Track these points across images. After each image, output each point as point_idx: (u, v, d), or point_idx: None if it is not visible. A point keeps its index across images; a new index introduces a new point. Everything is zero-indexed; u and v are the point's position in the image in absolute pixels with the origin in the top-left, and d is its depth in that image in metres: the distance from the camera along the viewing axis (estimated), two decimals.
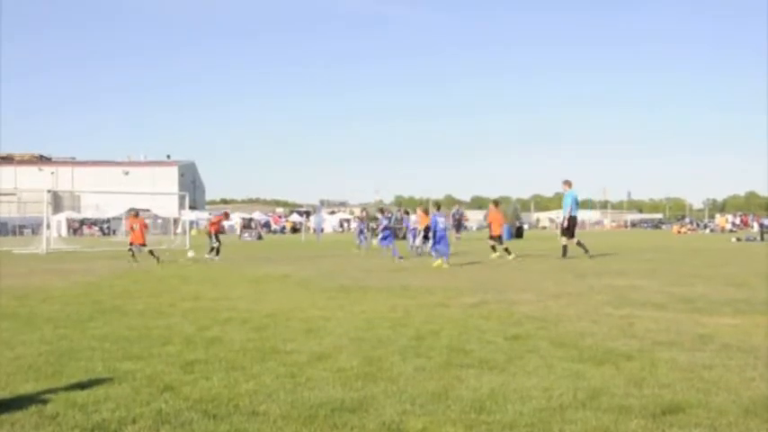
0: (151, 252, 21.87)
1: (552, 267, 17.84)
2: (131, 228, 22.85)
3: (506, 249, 22.41)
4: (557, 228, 60.90)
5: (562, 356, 6.19)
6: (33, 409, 4.52)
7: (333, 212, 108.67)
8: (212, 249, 23.58)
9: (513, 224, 49.45)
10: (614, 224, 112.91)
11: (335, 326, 8.07)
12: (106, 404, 4.65)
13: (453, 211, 51.23)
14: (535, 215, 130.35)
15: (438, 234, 19.22)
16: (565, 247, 21.42)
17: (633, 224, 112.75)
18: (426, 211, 24.65)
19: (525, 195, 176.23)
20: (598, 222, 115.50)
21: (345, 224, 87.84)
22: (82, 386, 5.11)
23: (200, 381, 5.34)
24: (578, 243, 21.61)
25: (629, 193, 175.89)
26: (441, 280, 14.05)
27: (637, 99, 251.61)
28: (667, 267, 17.75)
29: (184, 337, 7.30)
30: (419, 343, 6.91)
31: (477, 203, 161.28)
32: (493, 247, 22.64)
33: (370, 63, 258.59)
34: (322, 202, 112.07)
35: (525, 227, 64.67)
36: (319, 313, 9.12)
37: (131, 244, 22.19)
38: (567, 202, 21.60)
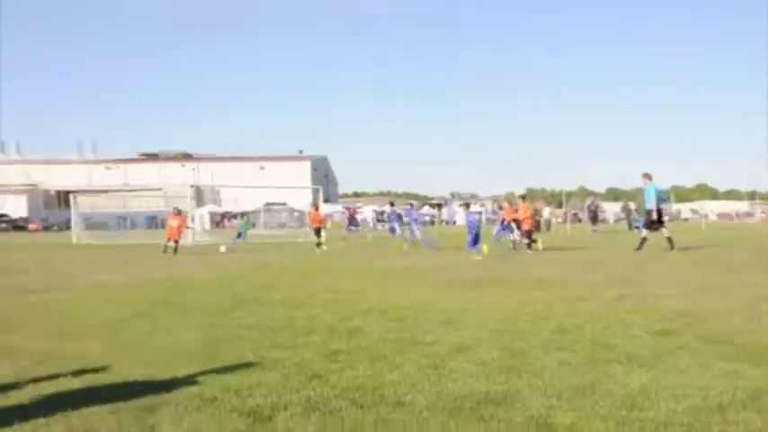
0: (175, 249, 24.33)
1: (695, 260, 17.01)
2: (171, 224, 25.34)
3: (531, 243, 22.68)
4: (701, 218, 58.10)
5: (716, 354, 5.89)
6: (193, 391, 4.77)
7: (466, 205, 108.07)
8: (318, 244, 24.97)
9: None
10: (765, 215, 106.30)
11: (473, 318, 8.04)
12: (259, 390, 4.83)
13: (588, 202, 49.97)
14: (676, 206, 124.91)
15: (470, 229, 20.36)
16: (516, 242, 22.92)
17: None
18: (511, 204, 25.60)
19: (665, 187, 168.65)
20: (747, 214, 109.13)
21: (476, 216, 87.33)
22: (234, 372, 5.34)
23: (345, 370, 5.45)
24: (667, 238, 21.02)
25: None
26: (576, 273, 13.70)
27: None
28: None
29: (327, 327, 7.48)
30: (561, 336, 6.77)
31: (613, 195, 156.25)
32: (533, 242, 22.79)
33: (504, 53, 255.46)
34: (453, 195, 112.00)
35: (666, 218, 62.01)
36: (456, 305, 9.11)
37: (170, 240, 24.69)
38: (651, 195, 21.06)
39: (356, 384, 5.00)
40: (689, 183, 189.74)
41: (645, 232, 21.59)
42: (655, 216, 21.03)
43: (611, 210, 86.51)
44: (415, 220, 27.21)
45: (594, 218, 45.27)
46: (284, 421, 4.18)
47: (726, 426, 4.02)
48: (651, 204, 21.04)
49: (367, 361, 5.78)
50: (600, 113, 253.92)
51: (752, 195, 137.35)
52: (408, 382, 5.05)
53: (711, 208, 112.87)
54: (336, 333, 7.13)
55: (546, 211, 56.09)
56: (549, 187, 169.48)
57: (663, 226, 21.17)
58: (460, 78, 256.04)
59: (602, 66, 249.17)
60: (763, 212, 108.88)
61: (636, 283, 11.53)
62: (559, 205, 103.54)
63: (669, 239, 20.75)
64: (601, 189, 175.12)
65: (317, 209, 27.84)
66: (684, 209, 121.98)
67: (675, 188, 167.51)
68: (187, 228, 29.21)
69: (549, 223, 50.34)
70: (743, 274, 13.10)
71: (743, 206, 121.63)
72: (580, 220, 71.10)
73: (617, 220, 71.89)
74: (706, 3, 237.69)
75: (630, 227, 46.66)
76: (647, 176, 21.35)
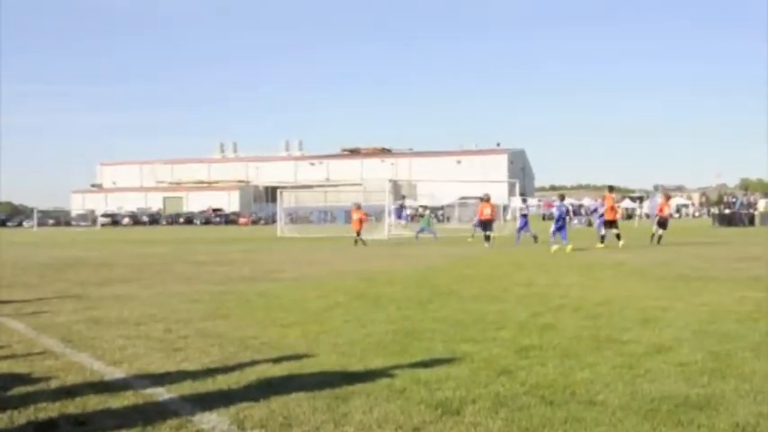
0: (362, 240, 26.20)
1: None
2: (354, 217, 27.56)
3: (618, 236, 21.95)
4: None
5: None
6: (384, 382, 4.90)
7: (668, 197, 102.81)
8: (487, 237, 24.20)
9: None
10: None
11: (675, 317, 7.62)
12: (447, 383, 4.88)
13: None
14: None
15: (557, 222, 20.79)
16: (660, 237, 23.22)
17: None
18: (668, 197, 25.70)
19: None
20: None
21: (683, 209, 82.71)
22: (425, 364, 5.42)
23: (534, 366, 5.37)
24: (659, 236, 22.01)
25: None
26: None
27: None
28: None
29: (518, 323, 7.41)
30: None
31: None
32: (617, 236, 21.81)
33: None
34: (656, 187, 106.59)
35: None
36: (656, 303, 8.68)
37: (357, 233, 26.68)
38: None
39: (546, 381, 4.91)
40: None
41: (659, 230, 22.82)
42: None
43: None
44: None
45: None
46: (472, 415, 4.19)
47: None
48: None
49: (557, 358, 5.65)
50: None
51: None
52: (601, 382, 4.88)
53: None
54: (527, 329, 7.03)
55: (762, 204, 51.94)
56: (766, 178, 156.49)
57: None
58: (665, 65, 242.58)
59: None
60: None
61: None
62: None
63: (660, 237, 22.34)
64: None
65: (487, 201, 25.39)
66: None
67: None
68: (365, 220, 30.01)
69: (765, 217, 46.58)
70: None
71: None
72: None
73: None
74: None
75: None
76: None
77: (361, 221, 27.29)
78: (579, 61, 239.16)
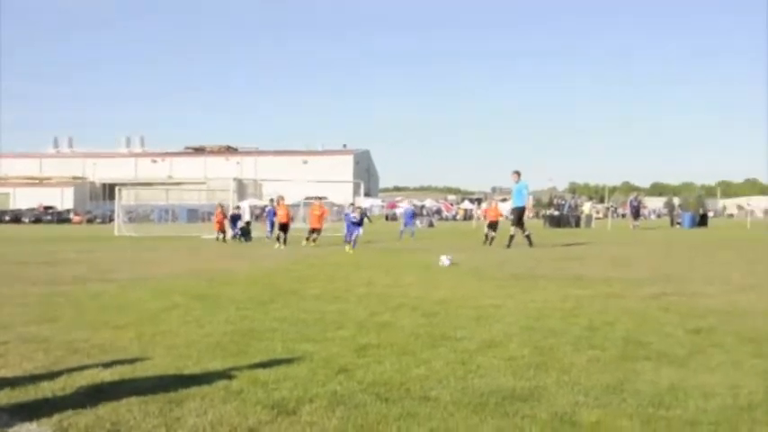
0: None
1: (740, 258, 16.72)
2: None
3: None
4: (746, 215, 56.95)
5: (751, 353, 5.79)
6: (220, 384, 4.83)
7: (504, 200, 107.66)
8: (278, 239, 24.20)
9: (696, 212, 46.89)
10: None
11: (505, 314, 8.00)
12: (285, 383, 4.88)
13: (631, 198, 49.36)
14: (721, 202, 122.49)
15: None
16: (492, 238, 22.80)
17: None
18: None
19: (710, 182, 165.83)
20: None
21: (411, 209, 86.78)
22: (263, 365, 5.39)
23: (372, 364, 5.48)
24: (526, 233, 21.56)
25: None
26: (618, 270, 13.55)
27: None
28: None
29: (357, 322, 7.51)
30: (592, 334, 6.71)
31: (658, 190, 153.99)
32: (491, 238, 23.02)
33: (544, 54, 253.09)
34: (494, 190, 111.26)
35: (710, 214, 61.07)
36: (489, 301, 9.07)
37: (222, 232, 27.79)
38: (524, 193, 21.53)
39: (383, 379, 5.02)
40: (738, 178, 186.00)
41: (513, 230, 21.88)
42: (519, 212, 21.69)
43: (655, 205, 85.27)
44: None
45: (636, 213, 44.66)
46: (309, 414, 4.22)
47: (754, 425, 3.96)
48: (524, 202, 21.63)
49: (395, 356, 5.78)
50: (645, 108, 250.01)
51: None
52: (435, 378, 5.05)
53: (759, 204, 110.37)
54: (366, 328, 7.12)
55: (587, 207, 55.47)
56: (593, 182, 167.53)
57: (520, 224, 21.81)
58: (505, 72, 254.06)
59: (645, 61, 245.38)
60: None
61: (676, 281, 11.38)
62: (602, 200, 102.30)
63: (512, 237, 21.49)
64: (646, 184, 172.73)
65: (278, 203, 25.80)
66: (731, 204, 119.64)
67: (723, 183, 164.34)
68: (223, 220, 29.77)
69: (589, 218, 49.83)
70: None
71: None
72: (622, 216, 70.11)
73: (659, 216, 70.80)
74: None
75: (673, 223, 46.00)
76: (517, 174, 21.68)
77: (219, 222, 28.33)
78: (421, 64, 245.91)
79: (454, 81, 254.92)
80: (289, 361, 5.56)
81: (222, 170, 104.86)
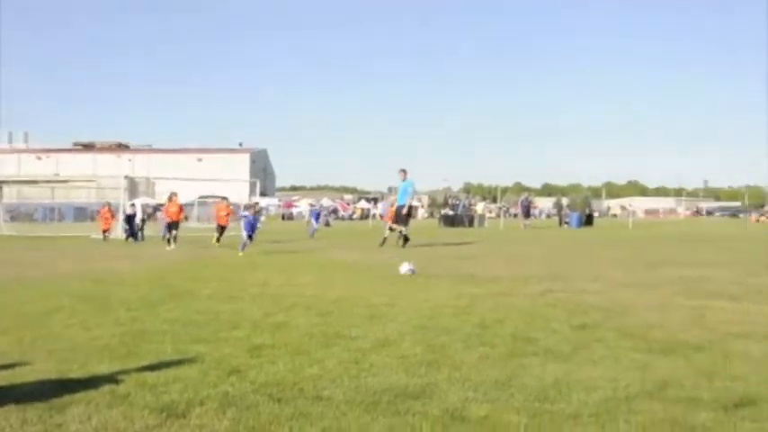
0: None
1: (623, 257, 17.51)
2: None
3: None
4: (630, 216, 59.65)
5: (629, 347, 6.08)
6: (107, 388, 4.67)
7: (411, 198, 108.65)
8: (168, 239, 23.35)
9: (583, 212, 48.76)
10: (688, 212, 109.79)
11: (399, 313, 8.09)
12: (175, 385, 4.78)
13: (522, 198, 50.81)
14: (606, 203, 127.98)
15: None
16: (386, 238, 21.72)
17: (709, 212, 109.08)
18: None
19: (597, 183, 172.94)
20: (671, 210, 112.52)
21: (413, 211, 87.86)
22: (152, 367, 5.25)
23: (265, 365, 5.43)
24: (402, 232, 21.53)
25: (705, 181, 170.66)
26: (509, 269, 13.92)
27: (713, 84, 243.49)
28: (742, 257, 17.23)
29: (252, 322, 7.43)
30: (483, 331, 6.87)
31: (548, 191, 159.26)
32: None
33: (439, 46, 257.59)
34: (390, 189, 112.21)
35: (596, 214, 63.61)
36: (383, 300, 9.15)
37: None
38: (409, 191, 21.73)
39: (276, 379, 4.99)
40: (621, 179, 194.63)
41: (395, 227, 21.83)
42: (405, 210, 21.63)
43: (544, 205, 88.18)
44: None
45: (527, 213, 46.05)
46: (198, 417, 4.14)
47: (631, 415, 4.15)
48: (407, 200, 21.68)
49: (288, 356, 5.76)
50: (534, 111, 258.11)
51: (678, 192, 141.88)
52: (328, 377, 5.06)
53: (639, 205, 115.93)
54: (260, 328, 7.07)
55: (480, 206, 56.79)
56: (486, 183, 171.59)
57: (407, 223, 21.75)
58: (401, 72, 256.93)
59: (533, 63, 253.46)
60: (687, 209, 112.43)
61: (561, 279, 11.79)
62: (495, 200, 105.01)
63: (405, 237, 21.34)
64: (537, 185, 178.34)
65: (170, 200, 24.65)
66: (615, 205, 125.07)
67: (608, 184, 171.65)
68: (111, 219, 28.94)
69: (482, 218, 51.05)
70: (662, 269, 13.54)
71: (669, 203, 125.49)
72: (514, 216, 72.16)
73: (548, 216, 73.24)
74: None
75: (561, 222, 47.67)
76: (404, 172, 21.90)
77: (107, 220, 28.95)
78: (317, 63, 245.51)
79: (350, 80, 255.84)
80: (179, 363, 5.44)
81: (113, 168, 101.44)
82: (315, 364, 5.45)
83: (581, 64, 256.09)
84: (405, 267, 12.30)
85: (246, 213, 20.38)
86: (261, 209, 30.06)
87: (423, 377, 5.07)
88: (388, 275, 12.45)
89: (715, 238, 29.28)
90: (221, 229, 24.68)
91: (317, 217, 34.41)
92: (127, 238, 28.36)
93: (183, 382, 4.85)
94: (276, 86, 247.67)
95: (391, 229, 22.10)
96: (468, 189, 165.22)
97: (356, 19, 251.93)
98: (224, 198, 27.67)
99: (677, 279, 11.60)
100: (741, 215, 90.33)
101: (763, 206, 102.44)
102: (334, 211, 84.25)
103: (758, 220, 64.36)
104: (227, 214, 25.39)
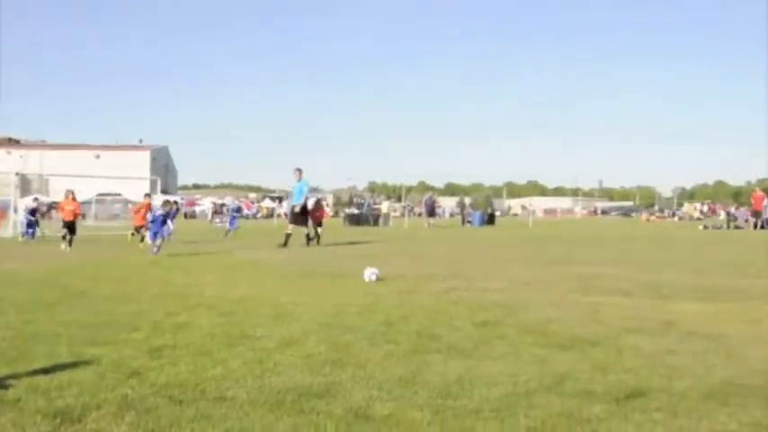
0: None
1: (523, 255, 17.98)
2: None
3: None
4: (530, 216, 61.31)
5: (529, 342, 6.25)
6: None
7: (306, 198, 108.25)
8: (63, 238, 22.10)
9: (485, 211, 49.79)
10: (585, 211, 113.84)
11: (304, 312, 8.05)
12: (70, 390, 4.60)
13: (426, 197, 51.46)
14: (507, 202, 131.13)
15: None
16: (288, 236, 21.30)
17: (604, 212, 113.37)
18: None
19: (498, 183, 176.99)
20: (569, 210, 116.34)
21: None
22: (45, 371, 5.04)
23: (166, 366, 5.30)
24: (307, 233, 21.96)
25: (600, 182, 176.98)
26: (414, 267, 14.07)
27: (608, 88, 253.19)
28: (635, 255, 18.01)
29: (152, 323, 7.24)
30: (388, 329, 6.92)
31: (451, 190, 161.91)
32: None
33: (338, 44, 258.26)
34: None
35: (498, 214, 65.07)
36: (289, 299, 9.09)
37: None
38: (304, 190, 22.10)
39: (177, 381, 4.87)
40: (521, 179, 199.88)
41: (291, 227, 21.87)
42: (299, 210, 21.84)
43: (448, 204, 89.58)
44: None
45: (431, 212, 46.65)
46: (95, 421, 4.00)
47: (530, 410, 4.26)
48: (302, 199, 21.90)
49: (190, 357, 5.64)
50: (437, 112, 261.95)
51: (575, 192, 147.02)
52: (231, 377, 4.99)
53: (539, 204, 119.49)
54: (161, 329, 6.90)
55: (385, 205, 57.21)
56: (390, 182, 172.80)
57: (306, 222, 22.09)
58: (308, 70, 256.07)
59: (441, 62, 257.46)
60: (584, 209, 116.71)
61: (465, 277, 12.00)
62: (399, 199, 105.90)
63: (309, 236, 21.74)
64: (440, 185, 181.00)
65: (66, 197, 23.35)
66: (515, 204, 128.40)
67: (509, 184, 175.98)
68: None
69: (387, 217, 51.44)
70: (560, 267, 13.99)
71: (566, 203, 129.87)
72: (419, 215, 73.04)
73: (452, 215, 74.44)
74: None
75: (464, 221, 48.54)
76: (299, 172, 22.20)
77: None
78: (218, 62, 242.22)
79: (250, 79, 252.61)
80: (75, 366, 5.24)
81: (3, 164, 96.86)
82: (218, 365, 5.36)
83: (477, 64, 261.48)
84: (368, 273, 11.44)
85: (161, 212, 19.55)
86: (178, 208, 29.02)
87: (327, 376, 5.06)
88: (293, 275, 12.38)
89: (609, 237, 30.43)
90: (138, 228, 23.72)
91: (234, 219, 33.20)
92: (23, 236, 27.06)
93: (78, 386, 4.67)
94: (178, 84, 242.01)
95: (288, 235, 21.47)
96: (372, 188, 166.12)
97: (245, 17, 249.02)
98: (147, 195, 26.65)
99: (574, 276, 12.01)
100: (633, 215, 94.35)
101: (653, 206, 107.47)
102: (239, 210, 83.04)
103: (648, 220, 67.43)
104: (145, 213, 24.29)
